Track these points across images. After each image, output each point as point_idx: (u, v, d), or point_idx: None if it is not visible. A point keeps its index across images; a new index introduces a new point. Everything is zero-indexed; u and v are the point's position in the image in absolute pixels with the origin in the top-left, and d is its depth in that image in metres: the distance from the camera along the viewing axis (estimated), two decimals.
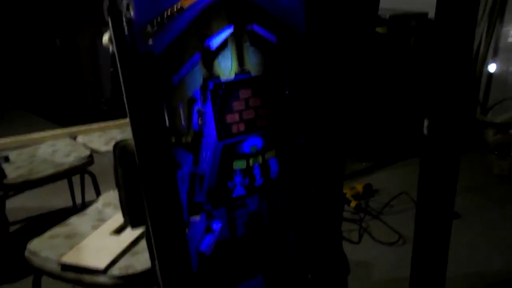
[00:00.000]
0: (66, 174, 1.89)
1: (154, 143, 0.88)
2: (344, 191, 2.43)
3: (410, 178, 1.12)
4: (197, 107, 0.94)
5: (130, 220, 0.93)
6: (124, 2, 0.84)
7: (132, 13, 0.85)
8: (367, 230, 2.17)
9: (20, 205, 2.41)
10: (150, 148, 0.87)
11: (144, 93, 0.86)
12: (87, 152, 1.97)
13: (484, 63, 3.19)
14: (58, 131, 2.25)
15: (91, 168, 2.03)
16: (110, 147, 2.03)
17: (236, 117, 1.00)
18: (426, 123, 1.05)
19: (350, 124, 1.25)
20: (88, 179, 2.10)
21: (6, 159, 1.87)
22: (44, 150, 2.03)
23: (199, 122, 0.95)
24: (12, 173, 1.76)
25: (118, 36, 0.84)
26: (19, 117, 4.43)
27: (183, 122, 0.92)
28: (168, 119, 0.90)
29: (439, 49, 0.98)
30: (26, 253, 1.16)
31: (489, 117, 3.11)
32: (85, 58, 4.14)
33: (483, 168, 2.86)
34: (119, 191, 0.90)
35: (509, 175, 2.70)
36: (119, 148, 0.85)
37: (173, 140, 0.91)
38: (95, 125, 2.29)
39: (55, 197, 2.51)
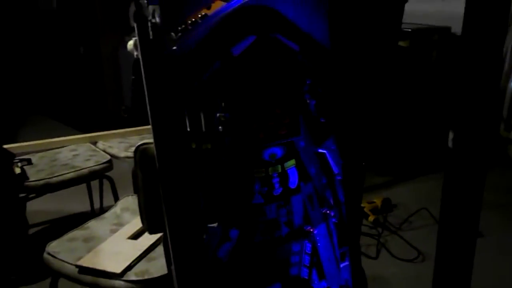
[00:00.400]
0: (86, 179, 1.92)
1: (174, 148, 0.88)
2: (362, 204, 2.39)
3: (430, 193, 1.10)
4: (218, 113, 0.94)
5: (148, 225, 0.93)
6: (150, 9, 0.86)
7: (157, 19, 0.86)
8: (385, 245, 2.12)
9: (39, 208, 2.44)
10: (171, 152, 0.87)
11: (166, 97, 0.87)
12: (107, 158, 1.99)
13: (509, 79, 3.13)
14: (79, 136, 2.28)
15: (110, 174, 2.05)
16: (129, 153, 2.06)
17: (257, 125, 0.99)
18: (451, 135, 1.03)
19: (370, 135, 1.24)
20: (106, 185, 2.12)
21: (29, 162, 1.90)
22: (65, 154, 2.06)
23: (220, 128, 0.95)
24: (34, 175, 1.79)
25: (143, 41, 0.85)
26: (40, 122, 4.52)
27: (203, 128, 0.92)
28: (189, 125, 0.90)
29: (467, 62, 0.96)
30: (45, 255, 1.17)
31: None
32: (107, 66, 4.22)
33: (507, 185, 2.79)
34: (138, 195, 0.90)
35: None
36: (140, 151, 0.85)
37: (194, 146, 0.91)
38: (115, 131, 2.31)
39: (74, 201, 2.54)
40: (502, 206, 2.53)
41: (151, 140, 0.86)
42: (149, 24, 0.86)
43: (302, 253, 1.10)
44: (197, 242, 0.91)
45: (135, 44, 0.92)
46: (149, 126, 2.60)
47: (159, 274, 1.05)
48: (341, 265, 1.15)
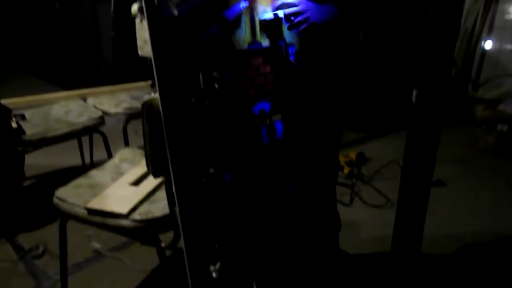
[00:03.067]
0: (80, 133, 2.01)
1: (177, 103, 1.00)
2: (339, 158, 2.58)
3: (401, 148, 1.25)
4: (215, 72, 1.06)
5: (153, 169, 1.06)
6: None
7: None
8: (358, 194, 2.33)
9: (31, 163, 2.53)
10: (174, 106, 0.99)
11: (169, 57, 0.98)
12: (99, 113, 2.08)
13: (479, 40, 3.30)
14: (69, 93, 2.35)
15: (101, 129, 2.16)
16: (119, 110, 2.16)
17: (248, 82, 1.12)
18: (414, 92, 1.19)
19: (349, 94, 1.38)
20: (97, 139, 2.22)
21: (23, 117, 1.98)
22: (57, 110, 2.14)
23: (216, 86, 1.07)
24: (30, 130, 1.88)
25: (149, 6, 0.95)
26: (20, 79, 4.49)
27: (202, 85, 1.04)
28: (189, 82, 1.02)
29: (428, 22, 1.10)
30: (55, 200, 1.29)
31: (479, 93, 3.25)
32: (85, 22, 4.15)
33: (470, 141, 3.02)
34: (144, 143, 1.02)
35: (493, 148, 2.86)
36: (147, 105, 0.97)
37: (193, 100, 1.03)
38: (104, 88, 2.39)
39: (64, 155, 2.64)
40: (464, 160, 2.77)
41: (156, 95, 0.97)
42: None
43: (286, 197, 1.27)
44: (196, 184, 1.06)
45: (139, 8, 1.02)
46: (136, 84, 2.67)
47: (161, 214, 1.20)
48: None
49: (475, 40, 3.26)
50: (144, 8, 0.96)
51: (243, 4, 1.06)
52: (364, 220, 2.10)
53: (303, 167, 1.30)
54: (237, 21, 1.06)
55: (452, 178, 2.48)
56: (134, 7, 1.03)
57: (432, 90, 1.16)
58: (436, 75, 1.13)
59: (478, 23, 3.21)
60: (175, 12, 0.99)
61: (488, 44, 3.31)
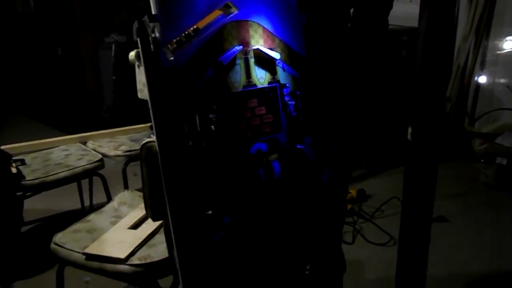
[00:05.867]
0: (80, 177, 2.02)
1: (174, 146, 1.01)
2: None
3: (401, 184, 1.27)
4: (211, 115, 1.08)
5: (152, 213, 1.06)
6: (151, 25, 0.99)
7: (157, 34, 0.99)
8: (360, 232, 2.30)
9: (30, 207, 2.52)
10: (171, 149, 1.01)
11: (166, 102, 1.00)
12: (99, 156, 2.10)
13: (472, 76, 3.36)
14: (69, 137, 2.37)
15: (101, 172, 2.16)
16: (119, 152, 2.17)
17: (244, 124, 1.14)
18: (410, 130, 1.20)
19: (350, 131, 1.39)
20: (96, 182, 2.22)
21: (23, 162, 1.99)
22: (57, 154, 2.15)
23: (212, 128, 1.08)
24: (30, 175, 1.89)
25: (145, 53, 0.98)
26: (22, 123, 4.54)
27: (199, 127, 1.06)
28: (186, 125, 1.04)
29: (420, 59, 1.13)
30: (52, 245, 1.28)
31: (476, 127, 3.28)
32: (86, 67, 4.25)
33: (470, 176, 3.01)
34: (143, 186, 1.03)
35: (494, 182, 2.86)
36: (145, 148, 0.98)
37: (190, 143, 1.05)
38: (104, 132, 2.42)
39: (63, 199, 2.63)
40: (465, 195, 2.75)
41: (154, 138, 0.99)
42: (150, 39, 0.99)
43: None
44: (195, 227, 1.05)
45: (136, 55, 1.05)
46: (135, 126, 2.70)
47: (160, 258, 1.19)
48: None
49: (468, 75, 3.32)
50: (141, 55, 0.99)
51: (237, 47, 1.10)
52: (367, 259, 2.06)
53: (304, 206, 1.30)
54: (232, 64, 1.09)
55: (454, 214, 2.46)
56: (132, 54, 1.07)
57: (426, 127, 1.17)
58: (429, 112, 1.15)
59: (470, 59, 3.29)
60: (172, 58, 1.02)
61: (481, 79, 3.37)
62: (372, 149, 3.24)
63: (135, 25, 1.06)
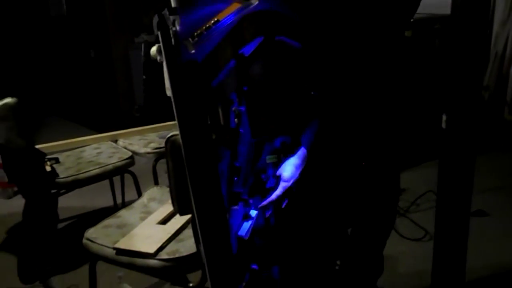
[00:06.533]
0: (111, 174, 2.06)
1: (197, 139, 1.00)
2: None
3: (436, 177, 1.22)
4: (234, 107, 1.06)
5: (179, 207, 1.05)
6: (171, 18, 0.98)
7: (177, 27, 0.98)
8: (394, 227, 2.23)
9: (64, 205, 2.59)
10: (194, 143, 0.99)
11: (188, 95, 0.99)
12: (129, 154, 2.13)
13: (511, 64, 3.20)
14: (100, 135, 2.42)
15: (132, 169, 2.19)
16: (148, 149, 2.20)
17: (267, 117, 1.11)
18: (444, 117, 1.14)
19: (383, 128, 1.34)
20: (128, 179, 2.26)
21: (57, 161, 2.05)
22: (89, 152, 2.20)
23: (236, 121, 1.07)
24: (63, 173, 1.94)
25: (166, 47, 0.97)
26: (56, 123, 4.68)
27: (222, 121, 1.04)
28: (209, 118, 1.02)
29: (455, 47, 1.07)
30: (84, 241, 1.30)
31: None
32: (118, 67, 4.33)
33: (510, 168, 2.87)
34: (169, 180, 1.03)
35: None
36: (170, 142, 0.97)
37: (214, 136, 1.03)
38: (133, 129, 2.45)
39: (96, 196, 2.68)
40: (506, 188, 2.62)
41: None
42: (171, 32, 0.98)
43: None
44: (221, 223, 1.04)
45: (158, 50, 1.04)
46: (164, 124, 2.71)
47: (188, 253, 1.18)
48: None
49: (507, 63, 3.16)
50: (162, 48, 0.98)
51: (258, 39, 1.07)
52: (402, 254, 2.00)
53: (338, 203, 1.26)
54: (254, 55, 1.07)
55: (494, 208, 2.35)
56: (153, 49, 1.06)
57: (462, 116, 1.11)
58: (465, 98, 1.09)
59: (509, 45, 3.12)
60: (193, 51, 1.01)
61: None
62: (405, 141, 3.14)
63: (155, 19, 1.05)
